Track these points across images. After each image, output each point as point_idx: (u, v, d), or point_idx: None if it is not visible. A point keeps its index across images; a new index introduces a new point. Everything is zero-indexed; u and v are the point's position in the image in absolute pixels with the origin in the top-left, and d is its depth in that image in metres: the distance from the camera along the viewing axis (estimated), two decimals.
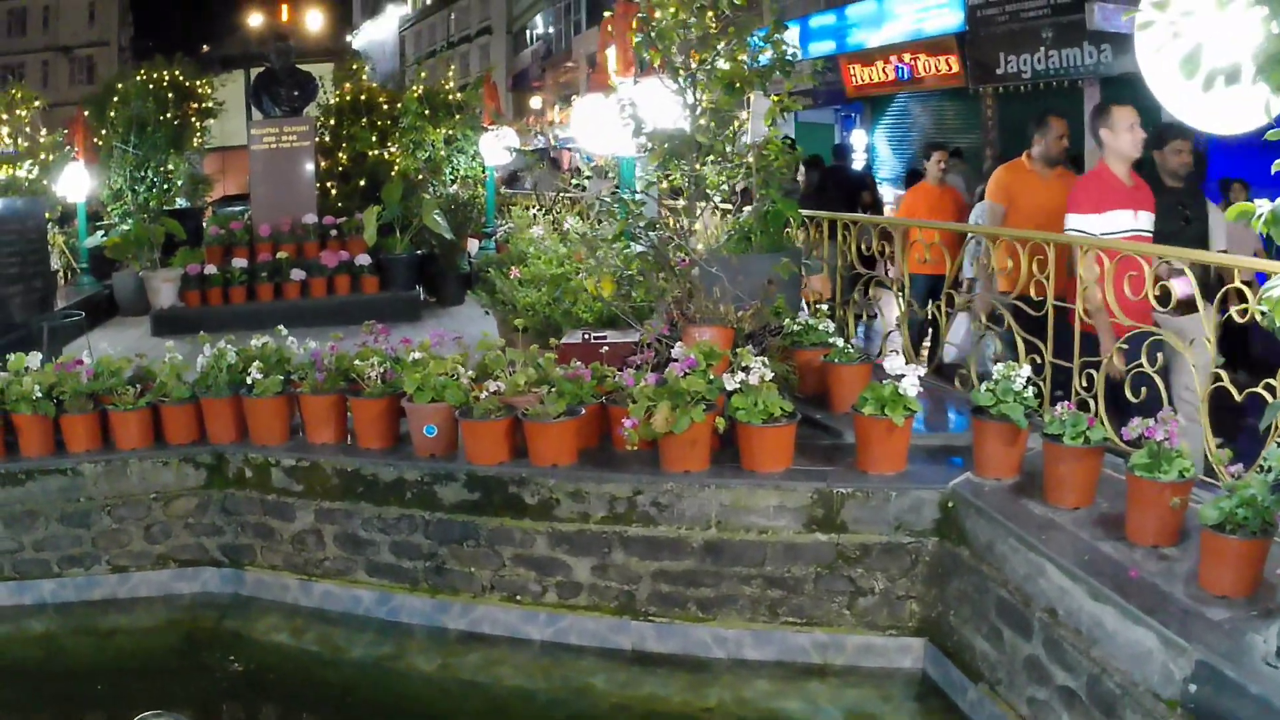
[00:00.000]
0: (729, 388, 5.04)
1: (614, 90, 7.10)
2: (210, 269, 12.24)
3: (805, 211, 7.31)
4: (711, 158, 6.53)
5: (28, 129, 16.55)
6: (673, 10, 6.32)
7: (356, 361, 6.23)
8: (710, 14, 6.37)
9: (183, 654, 6.03)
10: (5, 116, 16.41)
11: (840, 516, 4.88)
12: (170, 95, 15.54)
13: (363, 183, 14.36)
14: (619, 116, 6.62)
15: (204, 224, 14.32)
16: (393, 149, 14.52)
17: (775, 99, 6.57)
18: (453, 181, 14.66)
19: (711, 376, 5.04)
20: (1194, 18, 2.61)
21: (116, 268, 14.17)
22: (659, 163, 6.57)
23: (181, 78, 16.11)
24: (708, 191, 6.59)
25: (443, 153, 14.48)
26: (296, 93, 14.13)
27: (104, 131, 15.34)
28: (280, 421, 6.35)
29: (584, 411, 5.52)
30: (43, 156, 16.82)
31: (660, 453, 5.18)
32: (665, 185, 6.93)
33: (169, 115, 15.30)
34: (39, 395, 6.38)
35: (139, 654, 6.06)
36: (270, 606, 6.24)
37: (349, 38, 74.66)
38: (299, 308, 11.79)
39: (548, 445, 5.41)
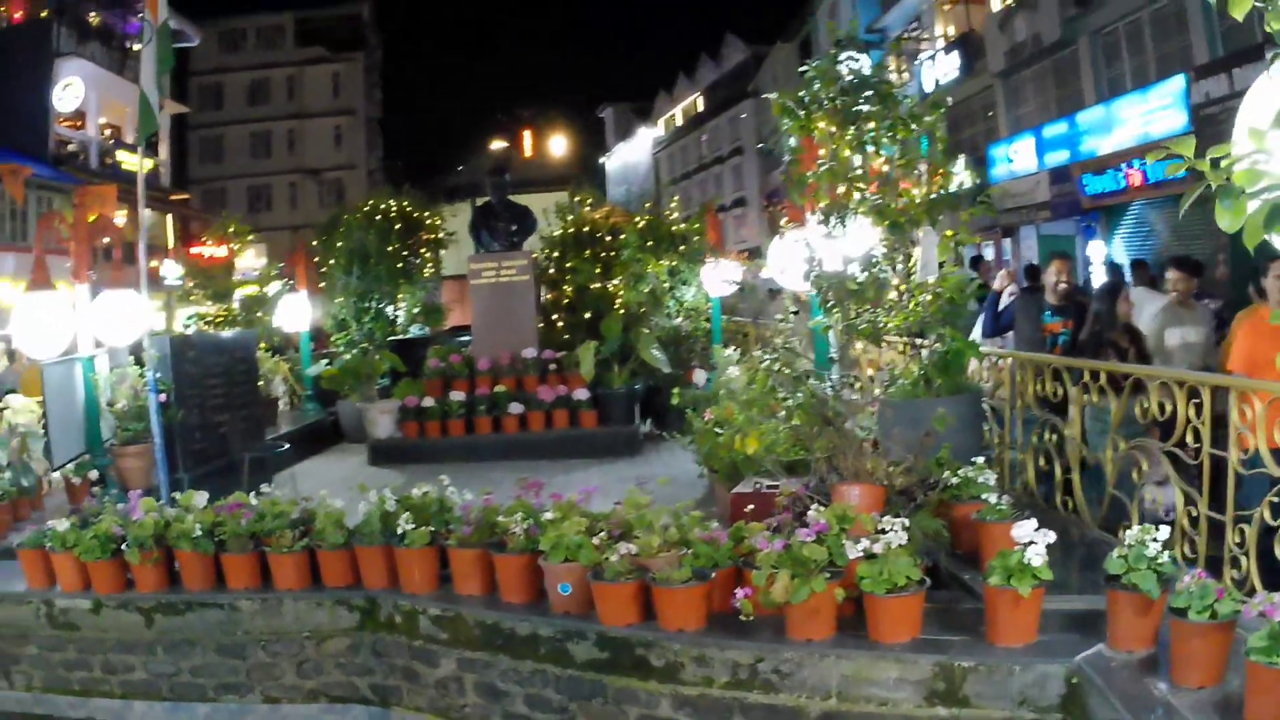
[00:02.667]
0: (851, 555, 5.29)
1: (799, 227, 7.70)
2: (428, 401, 13.49)
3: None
4: (890, 296, 6.95)
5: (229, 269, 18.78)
6: (838, 148, 6.89)
7: (501, 518, 6.93)
8: (877, 153, 6.89)
9: None
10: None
11: (962, 690, 5.00)
12: (398, 226, 17.27)
13: (587, 315, 15.31)
14: (798, 256, 7.21)
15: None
16: (616, 281, 15.47)
17: (948, 234, 6.96)
18: (676, 313, 15.58)
19: (845, 541, 5.44)
20: None
21: (341, 396, 15.81)
22: (828, 305, 7.06)
23: (409, 209, 17.87)
24: (879, 334, 7.02)
25: (666, 284, 15.44)
26: (514, 227, 15.41)
27: (330, 261, 17.20)
28: (429, 571, 6.99)
29: (714, 576, 5.84)
30: (260, 289, 18.93)
31: (785, 619, 5.51)
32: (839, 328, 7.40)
33: (394, 246, 17.00)
34: (199, 534, 7.33)
35: None
36: None
37: (603, 159, 78.95)
38: (516, 441, 12.93)
39: (674, 609, 5.78)
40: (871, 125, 6.84)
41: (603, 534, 6.39)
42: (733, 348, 13.23)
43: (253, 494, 7.97)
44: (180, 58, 48.81)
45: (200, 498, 7.97)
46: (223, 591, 7.45)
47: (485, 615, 6.60)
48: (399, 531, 7.03)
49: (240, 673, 7.32)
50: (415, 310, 18.03)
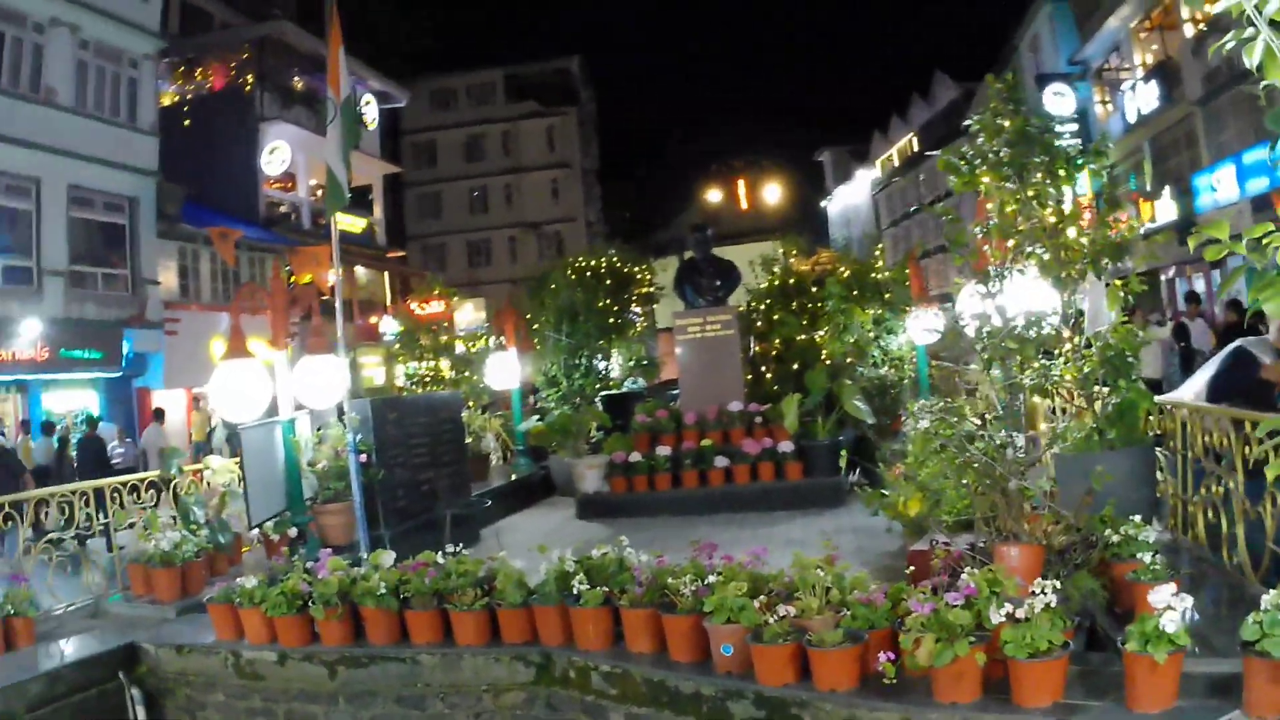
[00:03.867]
0: (995, 620, 5.44)
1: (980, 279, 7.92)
2: (635, 456, 14.13)
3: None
4: (1063, 350, 7.08)
5: (447, 324, 19.90)
6: (1004, 203, 7.12)
7: (670, 579, 7.39)
8: (1043, 205, 7.06)
9: None
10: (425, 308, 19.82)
11: None
12: (609, 281, 18.09)
13: (795, 366, 15.79)
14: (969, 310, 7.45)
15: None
16: (822, 332, 15.88)
17: (1116, 283, 7.07)
18: (881, 362, 15.84)
19: (992, 604, 5.64)
20: None
21: (551, 451, 16.68)
22: (987, 360, 7.26)
23: (619, 264, 18.68)
24: (1049, 387, 7.18)
25: (870, 333, 15.74)
26: (719, 282, 15.94)
27: (541, 319, 18.13)
28: (602, 629, 7.38)
29: (867, 638, 6.08)
30: (476, 344, 19.98)
31: (931, 682, 5.72)
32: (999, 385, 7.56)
33: (604, 302, 17.81)
34: (383, 591, 8.00)
35: None
36: None
37: (824, 203, 79.28)
38: (722, 494, 13.46)
39: (828, 670, 6.03)
40: (1039, 177, 7.06)
41: (763, 597, 6.74)
42: (937, 397, 13.37)
43: (451, 550, 8.57)
44: (392, 117, 51.60)
45: (388, 557, 8.66)
46: (405, 646, 8.05)
47: (653, 673, 6.99)
48: (574, 591, 7.53)
49: None
50: (630, 364, 18.80)
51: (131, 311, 24.33)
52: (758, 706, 6.37)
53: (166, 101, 32.03)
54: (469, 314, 39.48)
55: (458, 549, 8.70)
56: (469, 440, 16.67)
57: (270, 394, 9.97)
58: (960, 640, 5.48)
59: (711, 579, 6.99)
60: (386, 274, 44.16)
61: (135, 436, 22.07)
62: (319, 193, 38.71)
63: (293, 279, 31.76)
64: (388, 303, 39.31)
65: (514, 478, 16.79)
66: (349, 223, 39.14)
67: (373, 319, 38.55)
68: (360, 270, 41.05)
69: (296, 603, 8.25)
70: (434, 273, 56.08)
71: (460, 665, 7.84)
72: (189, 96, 34.48)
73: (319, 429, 13.21)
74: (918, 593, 6.12)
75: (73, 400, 23.37)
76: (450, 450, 13.75)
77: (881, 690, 5.98)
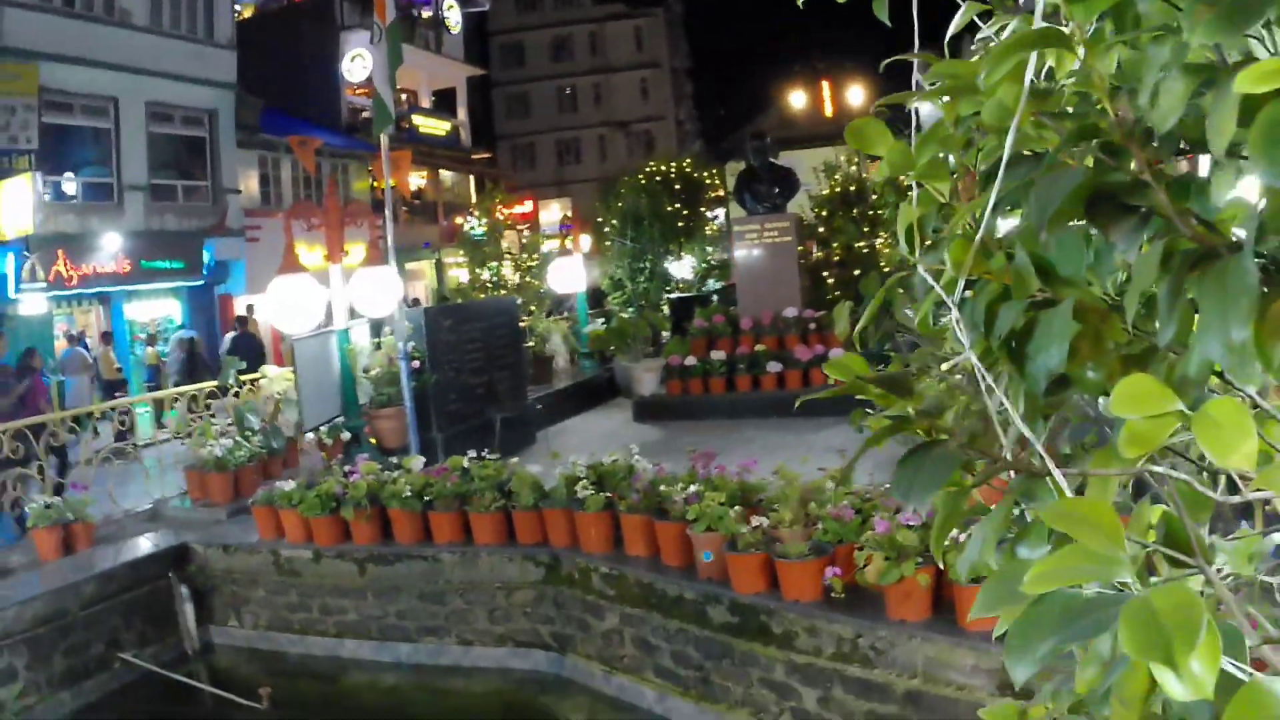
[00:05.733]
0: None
1: None
2: (691, 360, 14.59)
3: None
4: None
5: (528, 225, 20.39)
6: None
7: (663, 487, 7.84)
8: None
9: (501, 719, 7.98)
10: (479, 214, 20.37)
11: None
12: (678, 187, 18.41)
13: (856, 272, 16.06)
14: None
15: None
16: (882, 238, 16.11)
17: None
18: None
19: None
20: None
21: (610, 354, 17.19)
22: None
23: (689, 169, 18.99)
24: None
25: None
26: (777, 189, 16.17)
27: (609, 225, 18.54)
28: (603, 533, 7.97)
29: (832, 551, 6.53)
30: (526, 256, 20.49)
31: (884, 599, 6.14)
32: None
33: (674, 207, 18.12)
34: (408, 494, 8.67)
35: (466, 712, 8.05)
36: (580, 690, 7.93)
37: (911, 105, 78.00)
38: (774, 399, 13.73)
39: (792, 581, 6.52)
40: None
41: (739, 508, 7.17)
42: None
43: (486, 454, 9.19)
44: (479, 19, 51.77)
45: (417, 461, 9.33)
46: (428, 545, 8.72)
47: (645, 576, 7.54)
48: (579, 496, 8.06)
49: (439, 617, 8.59)
50: (703, 267, 19.14)
51: (212, 221, 25.02)
52: (732, 612, 6.89)
53: (247, 14, 32.57)
54: (554, 213, 39.94)
55: (487, 453, 9.18)
56: (531, 343, 17.17)
57: (322, 306, 10.49)
58: (908, 560, 5.86)
59: (694, 488, 7.43)
60: (472, 176, 44.65)
61: (218, 342, 22.87)
62: (402, 97, 39.19)
63: (375, 183, 32.37)
64: (471, 204, 39.90)
65: (577, 380, 17.27)
66: (432, 126, 39.56)
67: (458, 220, 39.20)
68: (445, 173, 41.56)
69: (330, 504, 8.97)
70: (523, 172, 56.67)
71: (478, 564, 8.47)
72: (270, 8, 34.98)
73: (376, 337, 13.78)
74: (884, 511, 6.48)
75: (155, 309, 24.19)
76: (506, 355, 14.22)
77: (840, 604, 6.44)
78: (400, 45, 11.19)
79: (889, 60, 1.71)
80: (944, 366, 1.52)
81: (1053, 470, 1.16)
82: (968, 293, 1.31)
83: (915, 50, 1.36)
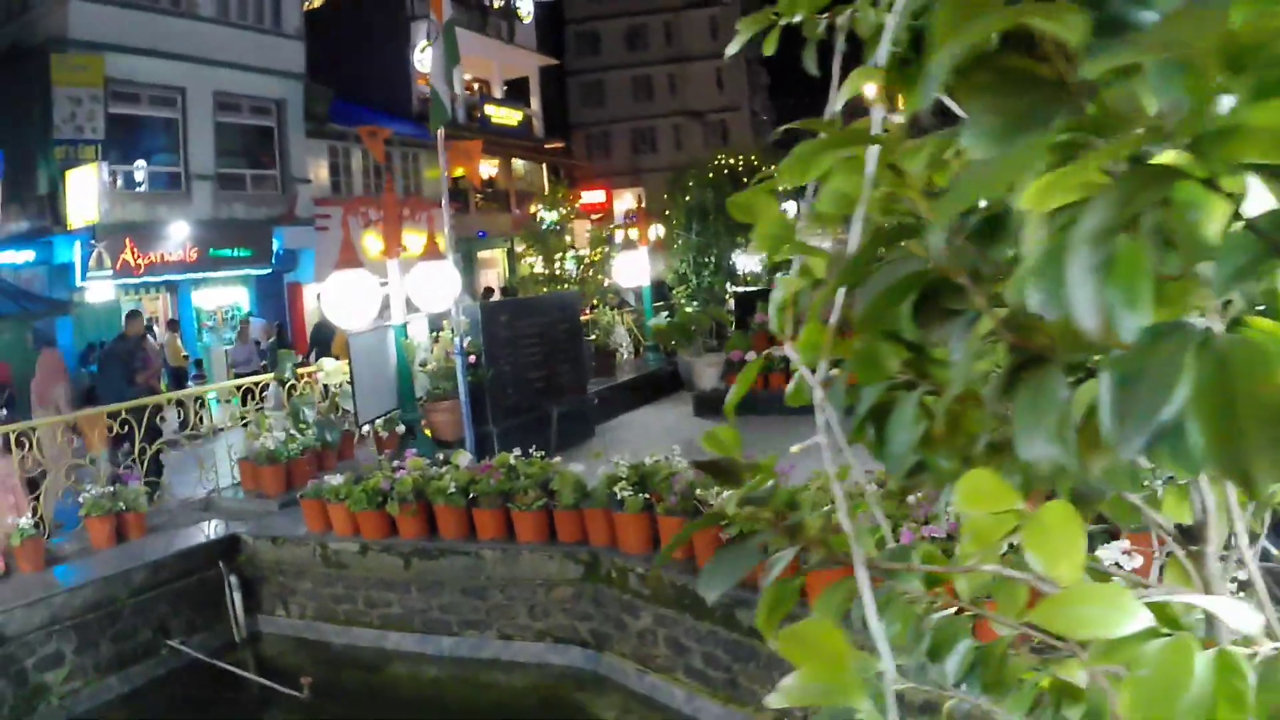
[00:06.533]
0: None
1: None
2: (751, 355, 14.66)
3: None
4: None
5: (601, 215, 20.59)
6: None
7: (699, 490, 7.99)
8: None
9: (538, 714, 8.15)
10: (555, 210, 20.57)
11: None
12: (745, 180, 18.48)
13: None
14: None
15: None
16: None
17: None
18: None
19: None
20: None
21: (671, 349, 17.33)
22: None
23: (755, 161, 19.06)
24: None
25: None
26: None
27: (674, 219, 18.68)
28: (641, 534, 8.14)
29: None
30: (590, 251, 20.67)
31: None
32: None
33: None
34: (453, 490, 8.90)
35: (504, 706, 8.28)
36: (614, 687, 8.11)
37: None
38: None
39: (816, 589, 6.75)
40: None
41: (769, 513, 7.28)
42: None
43: (531, 452, 9.40)
44: (554, 8, 52.06)
45: (465, 457, 9.58)
46: (472, 541, 8.95)
47: (678, 578, 7.70)
48: (619, 497, 8.23)
49: (481, 612, 8.82)
50: (776, 259, 19.23)
51: (280, 210, 25.50)
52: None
53: (316, 3, 32.98)
54: (629, 202, 40.11)
55: (535, 448, 9.40)
56: (594, 336, 17.35)
57: (378, 302, 10.73)
58: None
59: (728, 493, 7.54)
60: (545, 165, 44.97)
61: (288, 329, 23.35)
62: (474, 87, 39.55)
63: (446, 172, 32.79)
64: (545, 193, 40.19)
65: (641, 373, 17.43)
66: (504, 115, 39.91)
67: (532, 209, 39.54)
68: (518, 162, 41.92)
69: (377, 499, 9.21)
70: (598, 161, 56.94)
71: (519, 561, 8.68)
72: None
73: (435, 331, 14.03)
74: (910, 522, 6.54)
75: (223, 297, 24.72)
76: (566, 349, 14.36)
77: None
78: (456, 43, 11.40)
79: (782, 128, 1.75)
80: (793, 449, 1.59)
81: (859, 571, 1.16)
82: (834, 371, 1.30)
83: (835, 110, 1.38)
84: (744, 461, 1.49)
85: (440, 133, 11.88)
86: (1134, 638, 0.97)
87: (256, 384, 12.78)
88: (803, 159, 1.22)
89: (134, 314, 13.78)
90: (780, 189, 1.42)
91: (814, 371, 1.29)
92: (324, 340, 16.83)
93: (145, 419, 11.17)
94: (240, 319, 21.63)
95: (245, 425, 11.90)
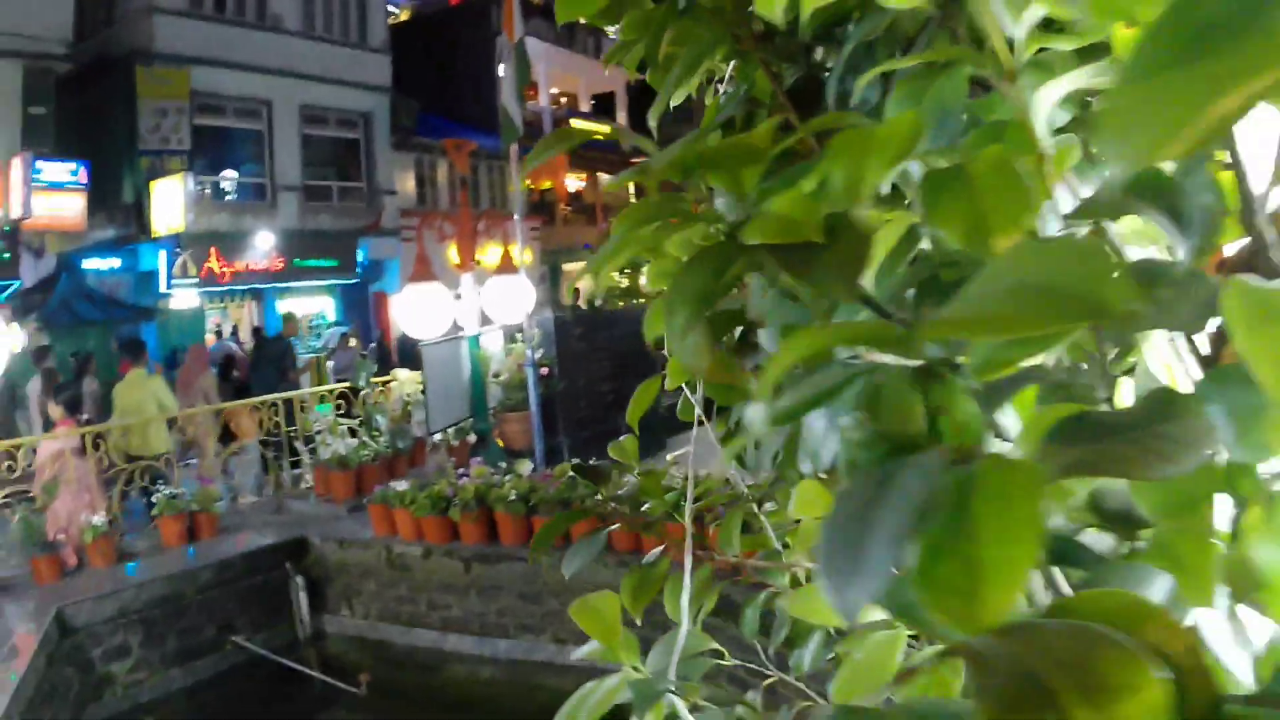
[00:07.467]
0: None
1: None
2: None
3: None
4: None
5: None
6: None
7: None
8: None
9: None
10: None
11: None
12: None
13: None
14: None
15: None
16: None
17: None
18: None
19: None
20: None
21: None
22: None
23: None
24: None
25: None
26: None
27: None
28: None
29: None
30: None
31: None
32: None
33: None
34: (513, 498, 9.23)
35: (551, 709, 8.59)
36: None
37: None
38: None
39: None
40: None
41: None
42: None
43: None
44: None
45: (526, 466, 9.91)
46: (529, 548, 9.25)
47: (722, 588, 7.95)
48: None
49: (536, 616, 9.14)
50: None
51: (367, 221, 25.95)
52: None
53: (404, 17, 33.57)
54: None
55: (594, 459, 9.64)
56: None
57: (451, 314, 11.06)
58: None
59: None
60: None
61: (372, 338, 23.80)
62: (561, 100, 40.00)
63: (531, 185, 33.07)
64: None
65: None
66: (590, 129, 40.29)
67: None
68: (604, 175, 42.35)
69: (441, 505, 9.57)
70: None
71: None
72: (425, 11, 35.99)
73: (510, 343, 14.38)
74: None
75: (308, 305, 25.28)
76: (639, 364, 14.58)
77: None
78: (528, 63, 11.65)
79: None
80: (669, 458, 1.84)
81: (685, 567, 1.43)
82: None
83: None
84: (608, 466, 1.75)
85: (514, 148, 12.19)
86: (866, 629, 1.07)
87: (353, 389, 13.18)
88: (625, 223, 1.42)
89: (289, 316, 14.46)
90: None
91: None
92: (408, 349, 17.27)
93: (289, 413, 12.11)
94: (343, 334, 22.10)
95: (318, 433, 12.29)
